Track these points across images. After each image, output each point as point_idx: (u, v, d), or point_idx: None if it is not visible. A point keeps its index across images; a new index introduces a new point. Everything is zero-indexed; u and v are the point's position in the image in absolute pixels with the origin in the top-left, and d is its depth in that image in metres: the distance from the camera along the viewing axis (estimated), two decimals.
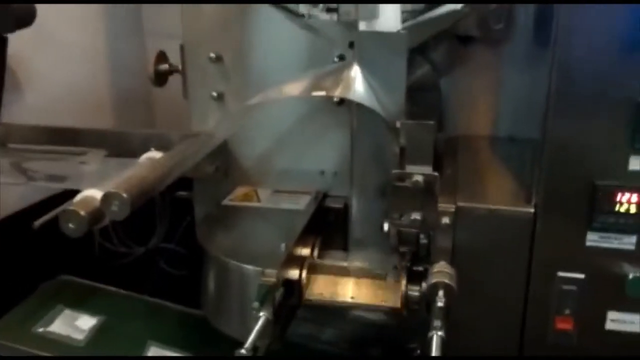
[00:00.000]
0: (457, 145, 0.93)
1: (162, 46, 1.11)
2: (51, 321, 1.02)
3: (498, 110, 0.95)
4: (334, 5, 0.86)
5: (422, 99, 0.90)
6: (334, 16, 0.86)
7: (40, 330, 1.00)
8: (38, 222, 0.78)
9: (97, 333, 1.01)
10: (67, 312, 1.04)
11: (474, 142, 0.95)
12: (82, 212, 0.73)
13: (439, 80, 0.93)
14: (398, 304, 0.78)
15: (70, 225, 0.73)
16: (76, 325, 1.02)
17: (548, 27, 0.70)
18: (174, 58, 1.06)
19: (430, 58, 0.91)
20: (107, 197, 0.74)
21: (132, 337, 1.01)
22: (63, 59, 1.24)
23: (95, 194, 0.76)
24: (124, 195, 0.73)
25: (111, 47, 1.39)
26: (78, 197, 0.77)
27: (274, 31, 0.97)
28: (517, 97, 0.93)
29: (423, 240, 0.80)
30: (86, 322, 1.02)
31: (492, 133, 0.96)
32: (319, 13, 0.87)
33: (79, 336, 1.00)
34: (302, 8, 0.88)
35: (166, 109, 1.49)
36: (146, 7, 1.50)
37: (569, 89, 0.68)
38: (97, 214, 0.74)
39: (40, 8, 1.04)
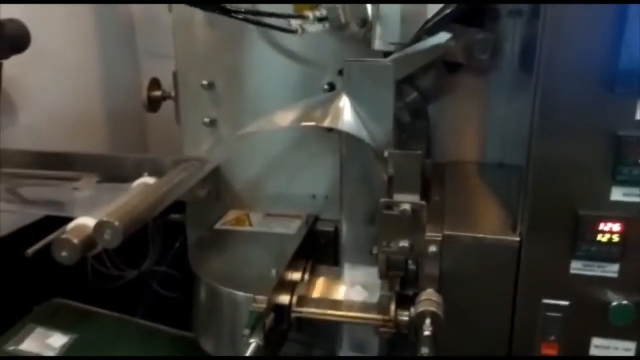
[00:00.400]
0: (445, 171, 0.94)
1: (156, 66, 1.12)
2: (22, 340, 1.02)
3: (486, 137, 0.97)
4: (323, 14, 0.86)
5: (411, 126, 0.92)
6: (326, 24, 0.86)
7: (11, 348, 1.00)
8: (31, 250, 0.79)
9: (68, 351, 1.01)
10: (39, 331, 1.04)
11: (462, 168, 0.96)
12: (75, 240, 0.74)
13: (427, 107, 0.95)
14: (389, 316, 0.79)
15: (63, 253, 0.74)
16: (47, 343, 1.02)
17: (534, 57, 0.72)
18: (168, 79, 1.07)
19: (418, 86, 0.93)
20: (99, 226, 0.75)
21: (103, 354, 1.02)
22: (56, 80, 1.25)
23: (88, 221, 0.77)
24: (116, 224, 0.74)
25: (105, 68, 1.41)
26: (71, 225, 0.78)
27: (266, 58, 0.99)
28: (505, 124, 0.95)
29: (411, 266, 0.81)
30: (58, 340, 1.03)
31: (481, 159, 0.98)
32: (310, 26, 0.86)
33: (50, 353, 1.00)
34: (294, 23, 0.87)
35: (159, 128, 1.50)
36: (140, 27, 1.51)
37: (551, 120, 0.70)
38: (89, 242, 0.76)
39: (33, 29, 1.05)
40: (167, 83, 1.08)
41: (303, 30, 0.86)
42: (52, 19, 1.23)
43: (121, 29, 1.49)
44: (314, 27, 0.86)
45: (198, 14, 1.00)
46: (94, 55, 1.38)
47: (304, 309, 0.83)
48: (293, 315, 0.83)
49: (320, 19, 0.85)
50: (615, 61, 0.64)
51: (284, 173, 1.04)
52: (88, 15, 1.35)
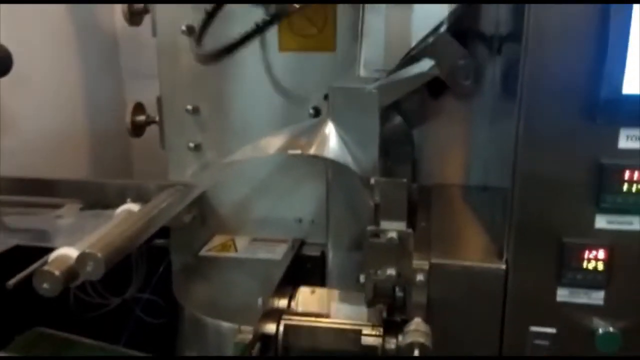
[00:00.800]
0: (431, 195, 0.94)
1: (140, 87, 1.11)
2: None
3: (470, 160, 0.97)
4: None
5: (396, 151, 0.92)
6: None
7: None
8: (12, 281, 0.78)
9: None
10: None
11: (447, 192, 0.97)
12: (57, 272, 0.73)
13: (411, 131, 0.95)
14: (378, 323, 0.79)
15: (45, 285, 0.73)
16: None
17: (516, 82, 0.72)
18: (153, 99, 1.06)
19: (402, 111, 0.93)
20: (82, 258, 0.74)
21: None
22: (39, 102, 1.24)
23: (70, 252, 0.76)
24: (99, 255, 0.73)
25: (88, 89, 1.40)
26: (53, 256, 0.77)
27: (250, 83, 0.99)
28: (488, 148, 0.95)
29: (399, 293, 0.81)
30: None
31: (465, 182, 0.98)
32: None
33: None
34: None
35: (145, 148, 1.49)
36: (124, 48, 1.50)
37: (535, 148, 0.70)
38: (71, 273, 0.75)
39: (15, 52, 1.04)
40: (151, 104, 1.07)
41: None
42: (35, 40, 1.22)
43: (105, 49, 1.48)
44: None
45: (182, 39, 0.99)
46: (77, 76, 1.37)
47: (294, 317, 0.82)
48: (283, 322, 0.81)
49: None
50: (597, 91, 0.65)
51: (270, 197, 1.04)
52: (71, 36, 1.34)
